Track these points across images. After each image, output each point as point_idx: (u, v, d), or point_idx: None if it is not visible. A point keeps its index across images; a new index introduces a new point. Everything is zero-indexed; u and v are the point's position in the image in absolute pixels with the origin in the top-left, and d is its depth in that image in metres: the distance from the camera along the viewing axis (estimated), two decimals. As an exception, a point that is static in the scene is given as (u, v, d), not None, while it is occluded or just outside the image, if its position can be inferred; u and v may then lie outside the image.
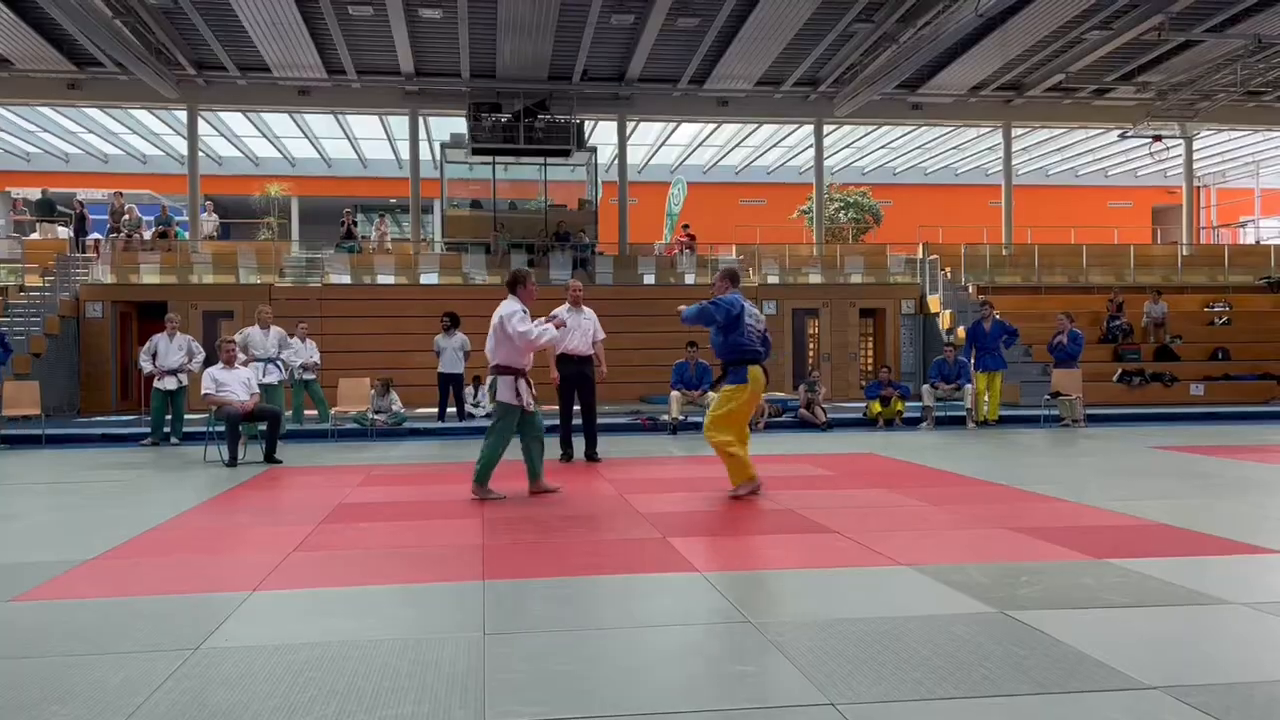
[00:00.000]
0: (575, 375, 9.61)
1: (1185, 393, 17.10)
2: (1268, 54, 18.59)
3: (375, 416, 13.21)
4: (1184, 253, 22.59)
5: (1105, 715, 2.71)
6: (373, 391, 13.56)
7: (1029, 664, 3.16)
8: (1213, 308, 19.97)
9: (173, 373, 12.06)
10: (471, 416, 14.78)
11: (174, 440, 12.11)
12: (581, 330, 9.60)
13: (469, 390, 15.09)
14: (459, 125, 21.71)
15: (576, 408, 9.83)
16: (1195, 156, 25.21)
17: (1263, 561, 4.68)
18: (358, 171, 29.47)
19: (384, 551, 5.18)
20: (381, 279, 19.85)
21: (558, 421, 9.82)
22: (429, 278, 19.96)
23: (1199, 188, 29.93)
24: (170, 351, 12.09)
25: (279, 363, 12.40)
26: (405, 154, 23.48)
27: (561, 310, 9.57)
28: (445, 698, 2.91)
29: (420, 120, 21.90)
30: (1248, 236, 31.13)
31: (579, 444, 9.77)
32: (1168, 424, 13.92)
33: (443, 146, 22.09)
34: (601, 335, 9.81)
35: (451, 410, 14.47)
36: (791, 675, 3.08)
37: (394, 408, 13.60)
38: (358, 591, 4.30)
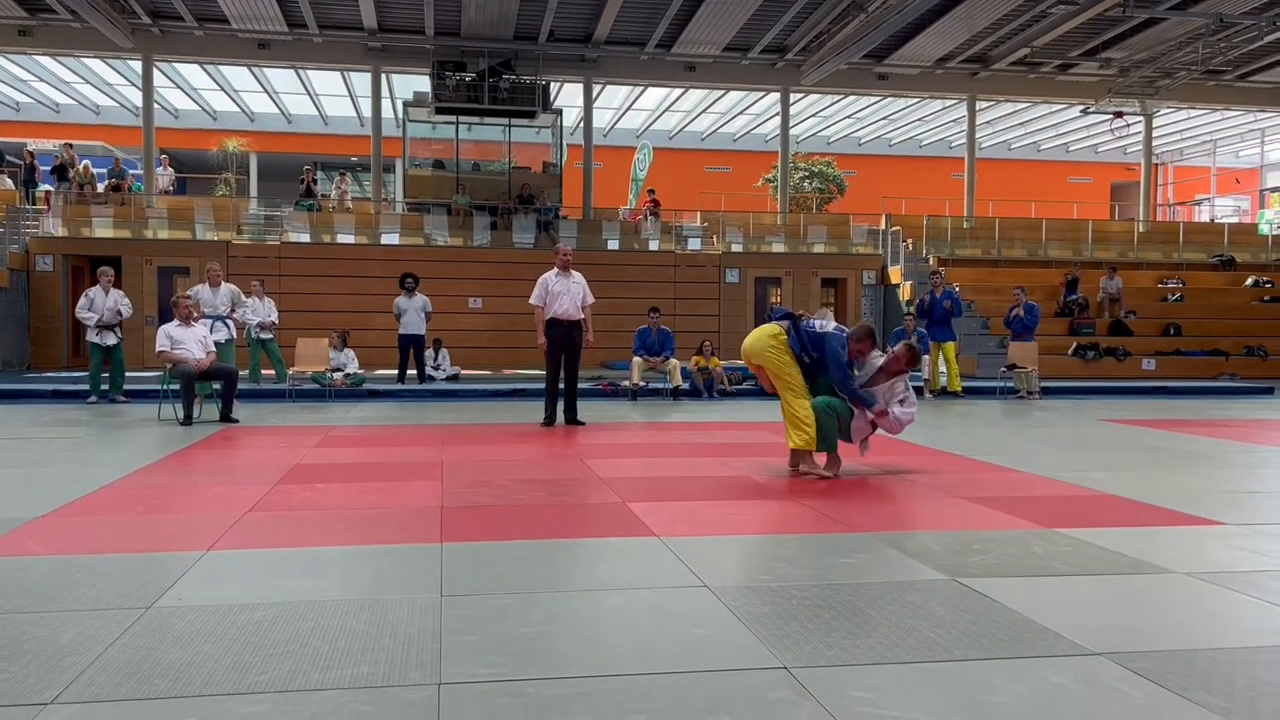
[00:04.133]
0: (563, 340, 9.57)
1: (1137, 367, 17.44)
2: (1229, 33, 18.81)
3: (334, 375, 13.09)
4: (1140, 229, 22.93)
5: (1051, 680, 2.78)
6: (331, 347, 13.44)
7: (978, 629, 3.22)
8: (1166, 284, 20.32)
9: (110, 328, 11.79)
10: (432, 379, 14.70)
11: (119, 398, 11.89)
12: (570, 295, 9.55)
13: (429, 353, 15.00)
14: (422, 83, 21.41)
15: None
16: (1154, 134, 25.52)
17: (1204, 532, 4.80)
18: (318, 128, 28.99)
19: (341, 513, 5.16)
20: (341, 238, 19.63)
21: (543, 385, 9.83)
22: (390, 238, 19.77)
23: (1157, 165, 30.36)
24: (106, 305, 11.77)
25: (228, 321, 12.17)
26: (367, 111, 23.13)
27: (550, 275, 9.55)
28: (402, 658, 2.91)
29: (383, 78, 21.57)
30: (1203, 215, 31.66)
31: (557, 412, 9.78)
32: (1120, 398, 14.18)
33: (405, 105, 21.78)
34: (590, 300, 9.78)
35: (412, 372, 14.39)
36: (746, 639, 3.12)
37: (350, 368, 13.48)
38: (314, 552, 4.28)
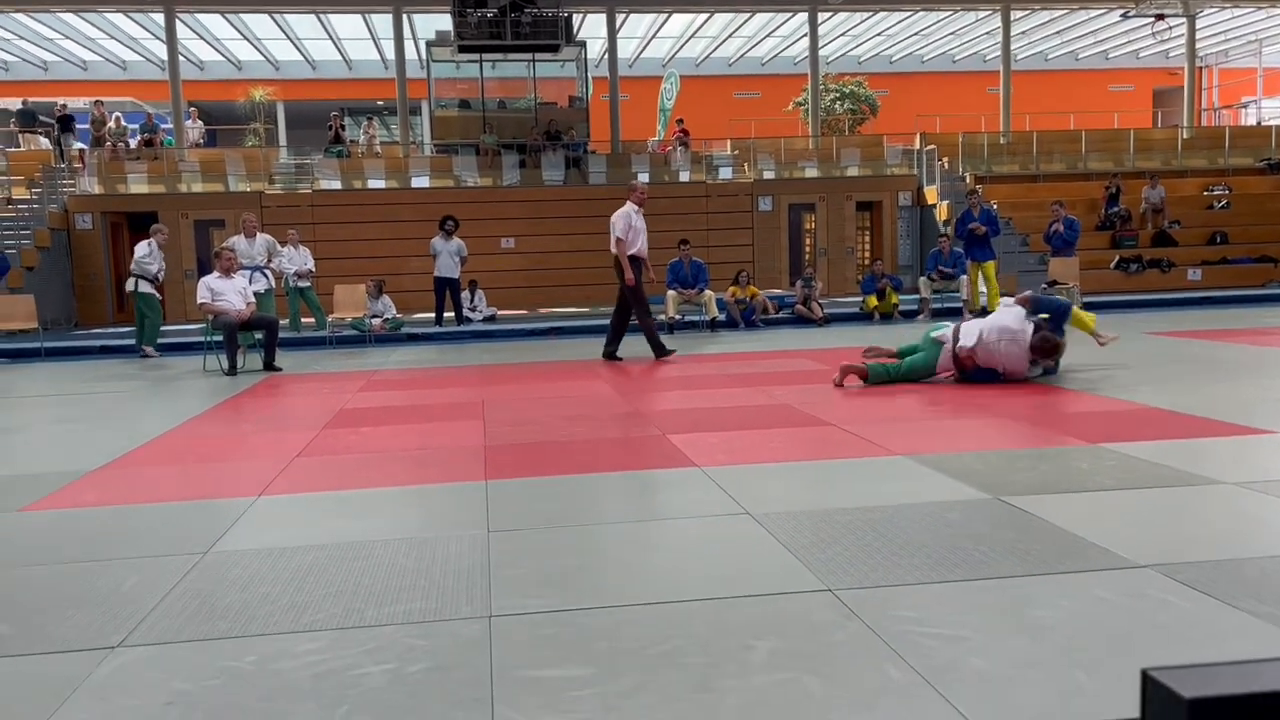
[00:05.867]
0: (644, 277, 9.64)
1: (1183, 278, 17.09)
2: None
3: (373, 321, 13.20)
4: (1184, 136, 22.28)
5: (1097, 593, 2.78)
6: (368, 295, 13.54)
7: (1022, 547, 3.22)
8: (1212, 191, 19.78)
9: (156, 282, 11.92)
10: (469, 320, 14.78)
11: (149, 350, 11.86)
12: (646, 233, 9.59)
13: (465, 294, 15.06)
14: (444, 22, 21.13)
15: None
16: (1198, 36, 24.63)
17: (1253, 441, 4.74)
18: (343, 74, 28.83)
19: (387, 454, 5.24)
20: (372, 183, 19.63)
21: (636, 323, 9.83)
22: (420, 181, 19.73)
23: (1201, 68, 29.35)
24: (157, 259, 11.89)
25: (266, 271, 12.25)
26: (391, 54, 22.94)
27: (631, 211, 9.44)
28: (453, 593, 2.97)
29: (404, 18, 21.32)
30: (1249, 118, 30.65)
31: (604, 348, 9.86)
32: (1165, 310, 13.93)
33: (428, 45, 21.56)
34: None
35: (449, 315, 14.47)
36: (790, 564, 3.14)
37: (388, 314, 13.59)
38: (362, 494, 4.36)
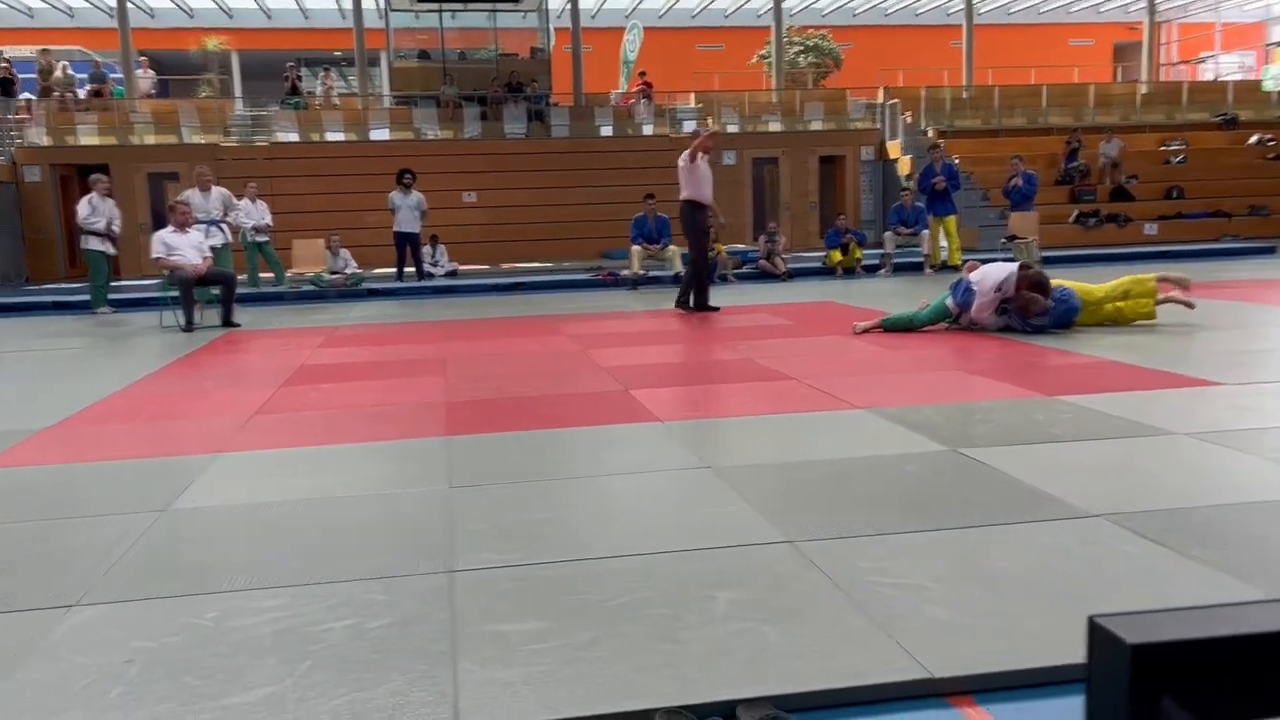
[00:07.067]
0: (705, 225, 9.60)
1: (1139, 233, 17.28)
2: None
3: (332, 276, 13.04)
4: (1143, 91, 22.42)
5: (1050, 542, 2.84)
6: (328, 251, 13.35)
7: (979, 497, 3.28)
8: (1169, 146, 19.97)
9: (108, 237, 11.50)
10: (430, 276, 14.65)
11: (102, 309, 11.55)
12: (711, 181, 9.52)
13: (426, 249, 14.91)
14: (403, -30, 20.69)
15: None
16: (1159, -10, 24.70)
17: (1204, 393, 4.84)
18: (299, 23, 28.17)
19: (347, 411, 5.20)
20: (330, 136, 19.27)
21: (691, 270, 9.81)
22: (380, 134, 19.39)
23: (1160, 23, 29.44)
24: (107, 211, 11.49)
25: (223, 225, 11.97)
26: (348, 2, 22.43)
27: (699, 158, 9.32)
28: (413, 548, 2.97)
29: (361, -36, 20.83)
30: (1207, 73, 30.88)
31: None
32: (1122, 264, 14.07)
33: (386, -7, 21.10)
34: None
35: (410, 270, 14.32)
36: (751, 516, 3.17)
37: (348, 269, 13.42)
38: (322, 450, 4.33)
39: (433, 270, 14.91)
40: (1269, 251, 14.92)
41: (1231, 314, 7.95)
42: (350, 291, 13.07)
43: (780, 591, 2.55)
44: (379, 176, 15.80)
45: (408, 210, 14.03)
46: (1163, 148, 19.93)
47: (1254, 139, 20.38)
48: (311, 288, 13.05)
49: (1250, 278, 11.12)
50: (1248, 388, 4.93)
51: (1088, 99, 21.68)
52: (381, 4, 21.80)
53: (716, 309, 9.48)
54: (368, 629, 2.41)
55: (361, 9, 20.63)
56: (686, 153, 9.46)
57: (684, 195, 9.49)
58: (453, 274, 15.09)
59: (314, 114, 20.12)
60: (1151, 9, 24.27)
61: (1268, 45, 31.01)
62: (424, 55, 21.57)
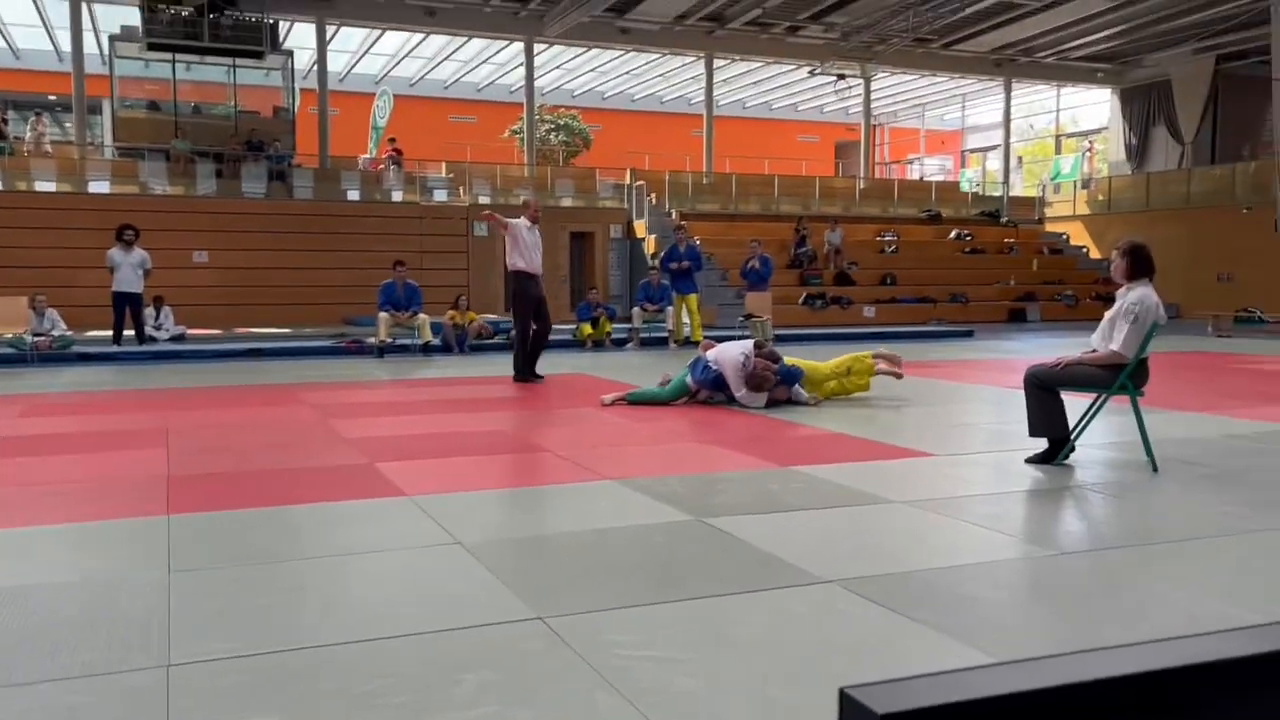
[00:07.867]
0: (535, 294, 9.41)
1: (860, 314, 18.80)
2: (934, 5, 20.39)
3: (36, 339, 11.81)
4: (861, 186, 24.63)
5: (789, 608, 2.95)
6: (32, 311, 12.11)
7: (721, 566, 3.37)
8: (884, 237, 22.00)
9: None
10: (153, 340, 13.61)
11: None
12: (540, 249, 9.43)
13: (149, 311, 13.86)
14: (132, 15, 19.46)
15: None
16: (873, 97, 27.34)
17: (918, 463, 5.26)
18: (9, 63, 25.79)
19: (50, 488, 4.67)
20: (41, 185, 17.66)
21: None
22: (99, 186, 17.98)
23: (875, 126, 32.57)
24: None
25: None
26: (66, 45, 20.80)
27: (523, 225, 9.36)
28: (124, 642, 2.67)
29: (84, 7, 19.43)
30: (914, 173, 34.42)
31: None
32: (845, 343, 15.18)
33: (111, 39, 19.74)
34: None
35: (129, 333, 13.22)
36: (500, 592, 3.10)
37: (54, 330, 12.22)
38: (18, 534, 3.85)
39: (156, 334, 13.86)
40: (968, 335, 16.61)
41: (939, 391, 8.74)
42: (57, 355, 11.87)
43: (529, 671, 2.49)
44: (98, 231, 14.61)
45: (129, 268, 12.99)
46: (878, 238, 21.91)
47: (954, 234, 22.83)
48: (10, 350, 11.75)
49: (953, 358, 12.32)
50: (955, 458, 5.42)
51: (814, 190, 23.54)
52: (105, 49, 20.37)
53: (541, 378, 9.47)
54: (64, 738, 2.13)
55: (83, 53, 19.18)
56: (521, 219, 9.46)
57: (516, 265, 9.42)
58: (180, 338, 14.08)
59: (22, 160, 18.40)
60: (867, 113, 26.80)
61: (964, 151, 34.98)
62: (154, 106, 20.30)
